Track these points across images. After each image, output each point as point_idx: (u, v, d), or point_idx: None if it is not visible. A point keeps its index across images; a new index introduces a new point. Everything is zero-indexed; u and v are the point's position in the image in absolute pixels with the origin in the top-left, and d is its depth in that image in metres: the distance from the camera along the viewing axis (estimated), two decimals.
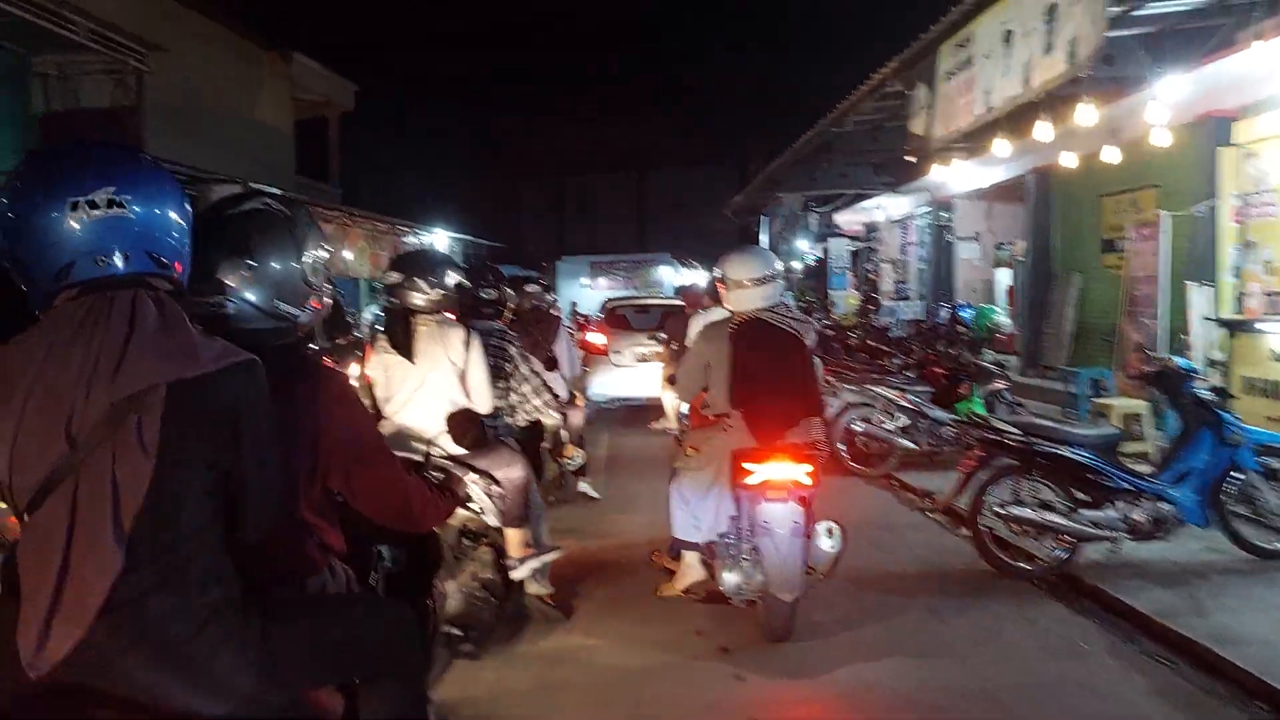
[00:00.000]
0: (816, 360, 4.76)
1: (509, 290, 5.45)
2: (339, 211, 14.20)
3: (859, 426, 7.83)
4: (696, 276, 36.26)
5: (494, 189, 42.11)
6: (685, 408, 5.88)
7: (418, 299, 3.84)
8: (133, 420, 1.40)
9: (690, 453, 4.57)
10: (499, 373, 4.21)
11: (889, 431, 7.80)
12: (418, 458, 2.51)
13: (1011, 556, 5.04)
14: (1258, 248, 6.90)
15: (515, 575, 3.99)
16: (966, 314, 8.61)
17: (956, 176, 13.35)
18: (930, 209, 15.08)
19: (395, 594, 2.15)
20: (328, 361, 2.52)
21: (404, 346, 3.80)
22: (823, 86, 11.86)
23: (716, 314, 5.42)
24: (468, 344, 3.89)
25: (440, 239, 19.04)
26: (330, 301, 2.11)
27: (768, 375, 4.23)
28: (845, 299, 17.56)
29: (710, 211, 38.64)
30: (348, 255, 14.34)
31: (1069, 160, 9.04)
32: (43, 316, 1.49)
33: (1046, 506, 4.92)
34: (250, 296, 1.81)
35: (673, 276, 33.91)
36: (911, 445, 7.77)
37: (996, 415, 7.71)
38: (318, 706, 1.73)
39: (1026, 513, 4.92)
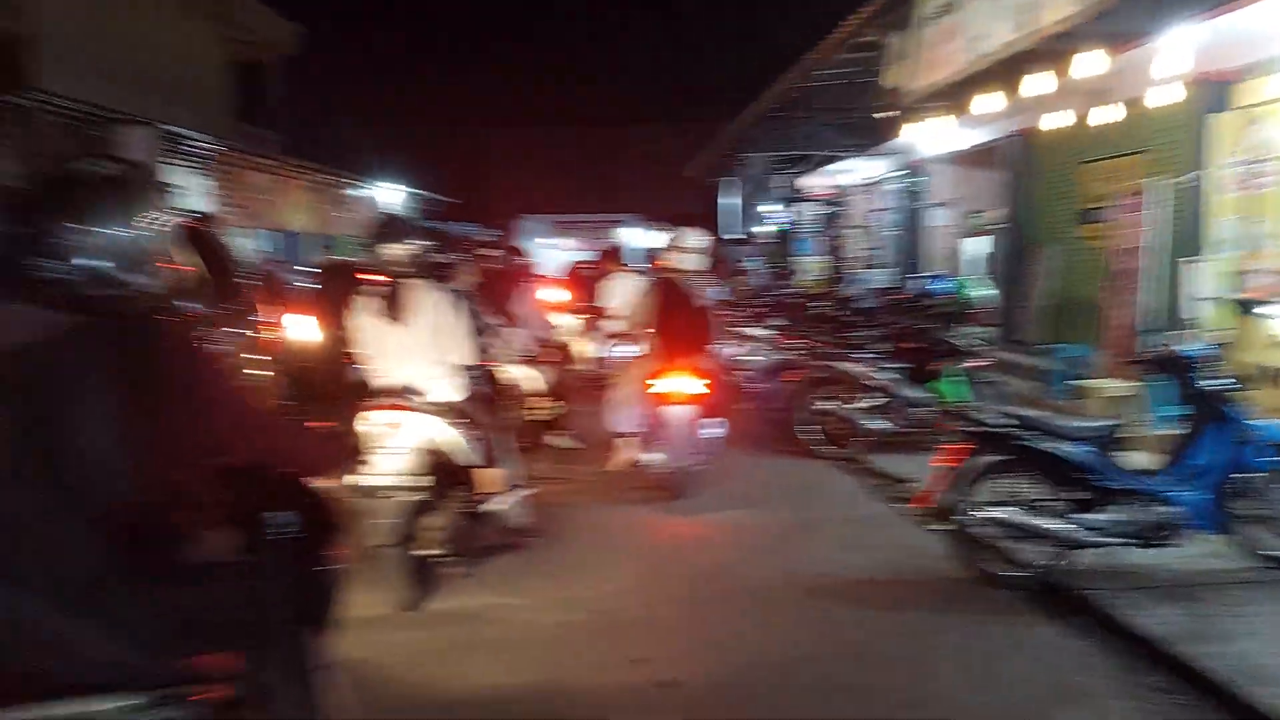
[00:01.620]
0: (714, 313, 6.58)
1: (464, 254, 5.95)
2: (275, 162, 13.19)
3: (825, 405, 7.22)
4: (661, 239, 35.23)
5: (457, 144, 40.75)
6: (610, 351, 7.57)
7: (400, 262, 4.27)
8: None
9: (616, 379, 6.72)
10: (475, 329, 4.66)
11: (857, 411, 7.21)
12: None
13: (992, 561, 4.47)
14: (1266, 220, 6.35)
15: (492, 508, 4.54)
16: (941, 286, 8.00)
17: (930, 139, 12.72)
18: (901, 173, 14.46)
19: (292, 559, 1.95)
20: (183, 321, 2.23)
21: (392, 308, 4.21)
22: (800, 43, 11.17)
23: (624, 277, 8.06)
24: (451, 303, 4.39)
25: (390, 194, 18.06)
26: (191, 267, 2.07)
27: (676, 316, 6.09)
28: (813, 265, 16.97)
29: (677, 175, 37.82)
30: (285, 208, 13.40)
31: (1055, 122, 8.43)
32: None
33: (1036, 508, 4.35)
34: (87, 262, 1.72)
35: (641, 239, 33.06)
36: (882, 426, 7.19)
37: (977, 397, 7.21)
38: (211, 668, 1.71)
39: (1013, 515, 4.34)
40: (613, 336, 7.40)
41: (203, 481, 1.83)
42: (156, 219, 1.82)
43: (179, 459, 1.74)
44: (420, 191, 19.66)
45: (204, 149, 11.03)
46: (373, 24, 33.14)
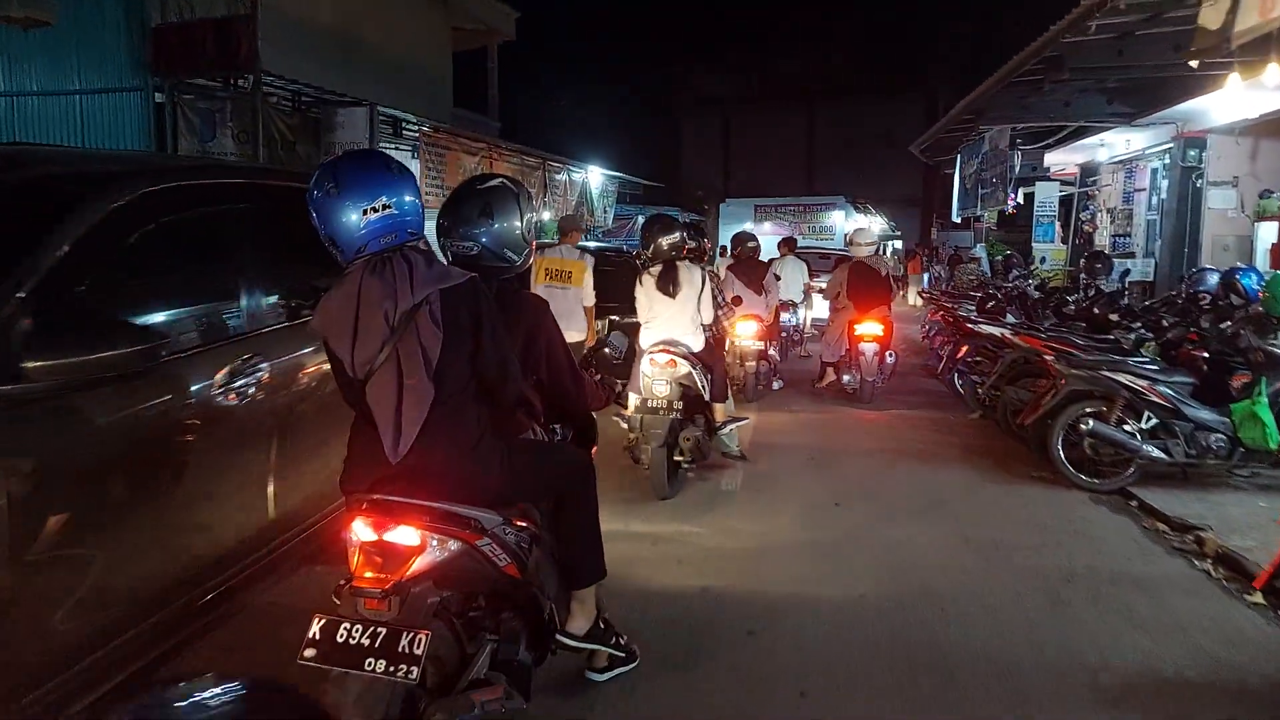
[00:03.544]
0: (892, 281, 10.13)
1: (707, 242, 7.73)
2: (485, 144, 13.19)
3: (1087, 424, 5.95)
4: (871, 223, 33.39)
5: (656, 123, 40.54)
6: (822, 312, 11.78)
7: (671, 251, 5.71)
8: (426, 310, 2.30)
9: (830, 325, 9.81)
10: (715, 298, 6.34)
11: (1131, 435, 5.89)
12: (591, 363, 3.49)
13: None
14: None
15: (721, 434, 6.23)
16: (1250, 281, 6.39)
17: (1218, 105, 10.67)
18: (1171, 146, 12.32)
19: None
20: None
21: (668, 282, 5.69)
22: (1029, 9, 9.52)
23: (791, 261, 11.84)
24: (702, 279, 5.84)
25: (594, 176, 17.87)
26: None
27: (864, 287, 9.10)
28: (1053, 254, 15.02)
29: (887, 152, 35.44)
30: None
31: None
32: (349, 268, 2.34)
33: None
34: (488, 244, 2.79)
35: (844, 222, 31.53)
36: (1161, 455, 5.84)
37: None
38: (528, 519, 2.66)
39: None
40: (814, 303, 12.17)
41: (534, 394, 2.82)
42: (533, 220, 2.89)
43: (522, 376, 2.63)
44: (619, 174, 19.32)
45: (418, 130, 11.09)
46: (583, 7, 33.42)
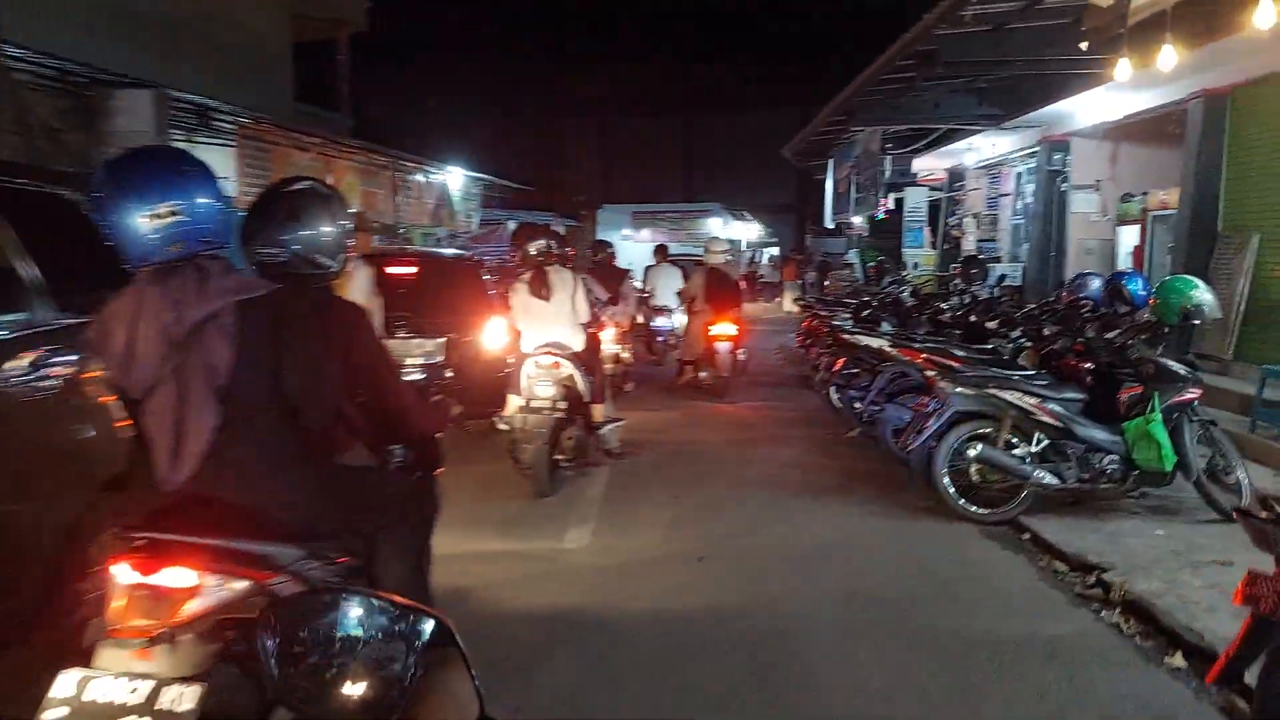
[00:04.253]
0: (742, 283, 11.05)
1: (571, 250, 7.15)
2: (320, 140, 11.89)
3: (975, 449, 5.35)
4: (746, 229, 33.34)
5: (536, 127, 39.58)
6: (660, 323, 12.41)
7: (539, 257, 6.04)
8: (215, 325, 2.07)
9: (687, 327, 10.33)
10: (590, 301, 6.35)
11: (1021, 459, 5.33)
12: (420, 378, 3.60)
13: None
14: None
15: (601, 433, 6.40)
16: (1136, 286, 5.95)
17: (1082, 107, 10.57)
18: (1037, 150, 12.27)
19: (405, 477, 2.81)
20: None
21: (540, 285, 5.97)
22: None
23: (665, 268, 12.43)
24: (575, 280, 6.15)
25: (455, 177, 16.71)
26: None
27: (719, 291, 9.85)
28: (924, 259, 14.87)
29: (763, 161, 35.54)
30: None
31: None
32: (136, 275, 2.13)
33: None
34: (299, 250, 2.47)
35: (721, 229, 31.32)
36: (1054, 480, 5.30)
37: (1186, 439, 5.25)
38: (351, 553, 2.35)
39: None
40: (658, 310, 12.14)
41: (358, 414, 2.57)
42: (347, 224, 2.63)
43: (344, 394, 2.47)
44: (483, 176, 18.21)
45: (233, 122, 9.76)
46: (460, 6, 32.11)
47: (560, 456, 5.96)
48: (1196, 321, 5.24)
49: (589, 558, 4.81)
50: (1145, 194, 10.71)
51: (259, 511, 2.13)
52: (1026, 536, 5.15)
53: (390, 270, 7.07)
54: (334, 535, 2.28)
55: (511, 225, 16.82)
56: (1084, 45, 6.98)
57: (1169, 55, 5.27)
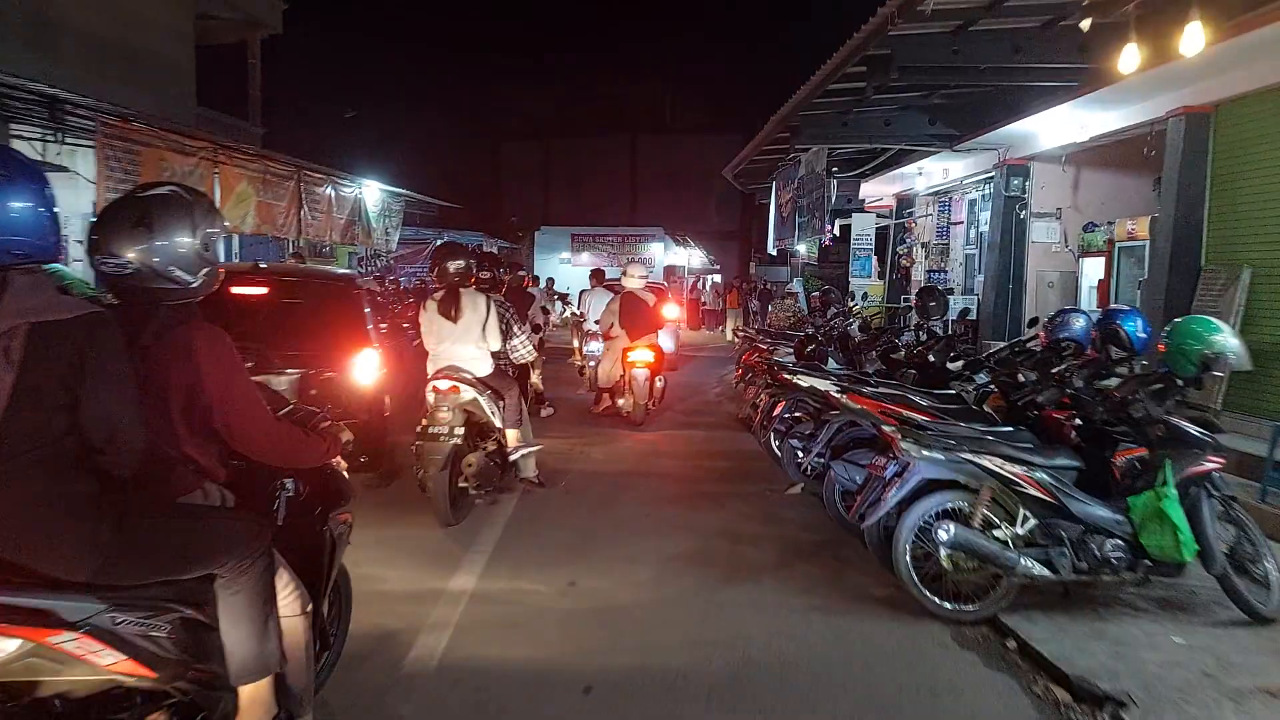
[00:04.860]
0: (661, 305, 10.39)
1: (505, 274, 8.91)
2: (205, 144, 10.48)
3: (947, 530, 4.22)
4: (689, 255, 32.43)
5: (474, 145, 38.38)
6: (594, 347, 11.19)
7: (455, 277, 5.91)
8: (2, 345, 1.86)
9: (605, 354, 9.92)
10: (506, 326, 6.19)
11: (1004, 543, 4.22)
12: (305, 407, 2.90)
13: None
14: None
15: (512, 459, 6.14)
16: (1134, 328, 4.89)
17: (1046, 127, 9.71)
18: (994, 174, 11.42)
19: (298, 518, 2.65)
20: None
21: (450, 306, 5.85)
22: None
23: (599, 292, 12.12)
24: (488, 306, 6.00)
25: (372, 192, 15.35)
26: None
27: (635, 316, 9.51)
28: (871, 289, 13.95)
29: (709, 187, 34.79)
30: (225, 204, 10.72)
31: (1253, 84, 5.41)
32: None
33: None
34: (157, 262, 2.24)
35: (663, 254, 30.25)
36: (1044, 571, 4.20)
37: (1206, 520, 4.20)
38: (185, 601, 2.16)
39: None
40: (590, 333, 11.32)
41: (206, 453, 2.29)
42: (212, 234, 2.36)
43: (186, 433, 2.23)
44: (404, 193, 16.86)
45: (93, 118, 8.37)
46: (368, 6, 30.78)
47: (465, 484, 5.73)
48: (1219, 374, 4.20)
49: (472, 606, 4.34)
50: (1111, 223, 9.87)
51: (46, 560, 1.93)
52: (1012, 645, 4.03)
53: (234, 290, 5.76)
54: (160, 584, 2.10)
55: (436, 243, 15.52)
56: (1084, 24, 5.98)
57: (1194, 36, 4.26)
